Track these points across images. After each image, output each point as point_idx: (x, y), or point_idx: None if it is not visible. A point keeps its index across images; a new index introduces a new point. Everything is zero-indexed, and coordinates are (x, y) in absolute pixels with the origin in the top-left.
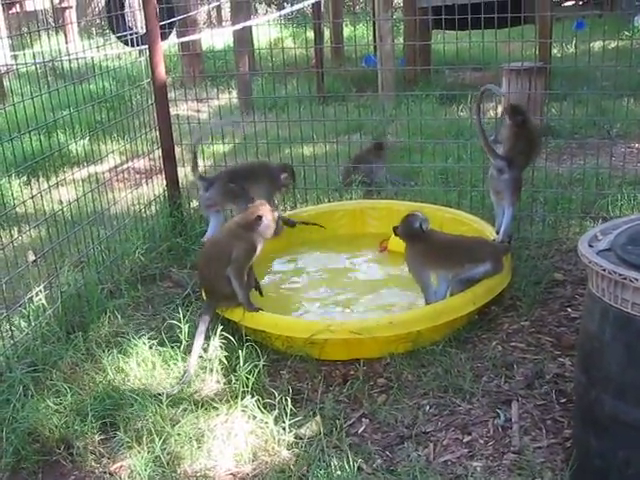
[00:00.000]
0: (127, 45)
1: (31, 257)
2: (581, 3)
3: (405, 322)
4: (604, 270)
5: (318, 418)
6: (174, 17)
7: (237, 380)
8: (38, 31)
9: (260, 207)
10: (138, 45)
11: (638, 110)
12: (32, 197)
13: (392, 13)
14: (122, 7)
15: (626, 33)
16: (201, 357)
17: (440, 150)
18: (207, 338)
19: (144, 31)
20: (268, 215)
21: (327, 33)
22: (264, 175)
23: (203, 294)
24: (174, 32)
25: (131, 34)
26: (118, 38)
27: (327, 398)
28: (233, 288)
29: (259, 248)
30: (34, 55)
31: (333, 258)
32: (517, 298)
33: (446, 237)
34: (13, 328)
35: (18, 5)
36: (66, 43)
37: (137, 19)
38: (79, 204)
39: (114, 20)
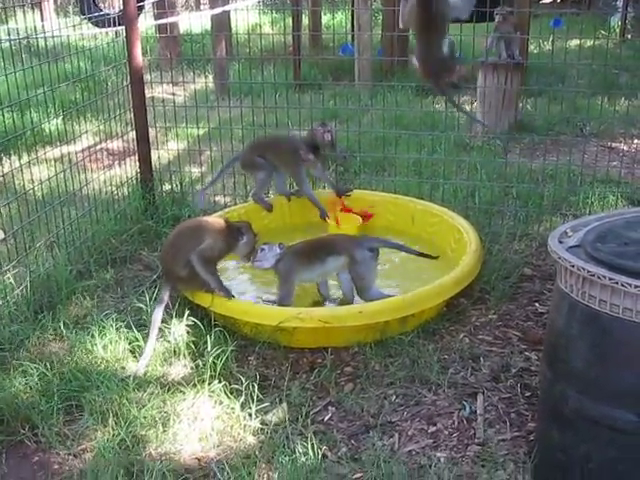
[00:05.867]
0: (96, 26)
1: (0, 235)
2: (559, 1)
3: (374, 312)
4: (573, 266)
5: (284, 405)
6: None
7: (204, 365)
8: (13, 7)
9: (247, 227)
10: (108, 27)
11: (612, 109)
12: (3, 175)
13: (371, 3)
14: None
15: (602, 32)
16: (168, 341)
17: (414, 141)
18: (170, 321)
19: (115, 12)
20: (250, 236)
21: (305, 20)
22: (284, 149)
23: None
24: (144, 14)
25: (100, 16)
26: (87, 19)
27: (294, 385)
28: (190, 272)
29: (228, 254)
30: (9, 31)
31: None
32: (486, 291)
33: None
34: None
35: None
36: (42, 21)
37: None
38: (50, 184)
39: (84, 1)
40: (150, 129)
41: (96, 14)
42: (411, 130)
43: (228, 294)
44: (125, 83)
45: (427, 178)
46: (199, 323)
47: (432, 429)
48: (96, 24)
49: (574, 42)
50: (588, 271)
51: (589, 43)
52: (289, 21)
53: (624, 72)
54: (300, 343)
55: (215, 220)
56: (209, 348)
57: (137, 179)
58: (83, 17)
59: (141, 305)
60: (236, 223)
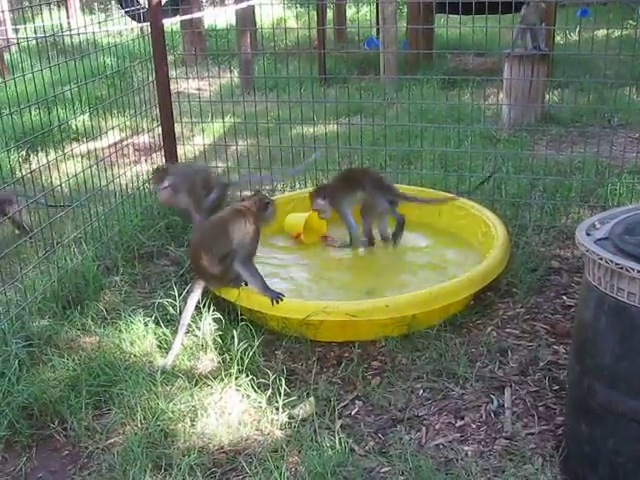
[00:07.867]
0: (135, 20)
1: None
2: None
3: (401, 305)
4: (601, 259)
5: (312, 399)
6: None
7: (232, 359)
8: (40, 5)
9: (265, 196)
10: (146, 21)
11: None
12: (31, 172)
13: None
14: None
15: (630, 22)
16: (195, 336)
17: (440, 134)
18: (197, 315)
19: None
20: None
21: (330, 14)
22: None
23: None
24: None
25: (139, 9)
26: (126, 13)
27: (321, 379)
28: (221, 269)
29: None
30: (35, 29)
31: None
32: (513, 284)
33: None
34: (9, 302)
35: None
36: (67, 18)
37: None
38: (78, 180)
39: None
40: (176, 124)
41: (134, 7)
42: (437, 123)
43: (276, 295)
44: (151, 79)
45: (453, 171)
46: (226, 317)
47: (459, 423)
48: (134, 18)
49: (601, 32)
50: (616, 263)
51: (617, 33)
52: (314, 15)
53: None
54: (327, 337)
55: (233, 210)
56: (236, 342)
57: None
58: (122, 10)
59: (168, 300)
60: (257, 201)
